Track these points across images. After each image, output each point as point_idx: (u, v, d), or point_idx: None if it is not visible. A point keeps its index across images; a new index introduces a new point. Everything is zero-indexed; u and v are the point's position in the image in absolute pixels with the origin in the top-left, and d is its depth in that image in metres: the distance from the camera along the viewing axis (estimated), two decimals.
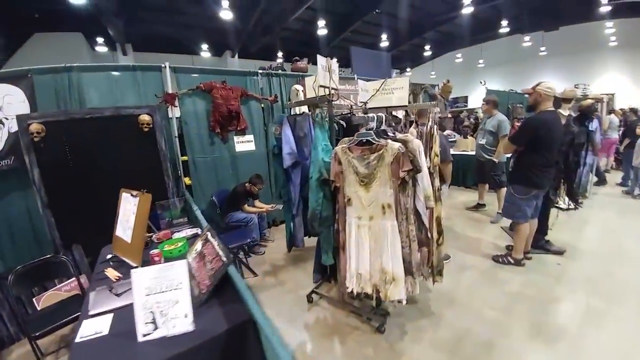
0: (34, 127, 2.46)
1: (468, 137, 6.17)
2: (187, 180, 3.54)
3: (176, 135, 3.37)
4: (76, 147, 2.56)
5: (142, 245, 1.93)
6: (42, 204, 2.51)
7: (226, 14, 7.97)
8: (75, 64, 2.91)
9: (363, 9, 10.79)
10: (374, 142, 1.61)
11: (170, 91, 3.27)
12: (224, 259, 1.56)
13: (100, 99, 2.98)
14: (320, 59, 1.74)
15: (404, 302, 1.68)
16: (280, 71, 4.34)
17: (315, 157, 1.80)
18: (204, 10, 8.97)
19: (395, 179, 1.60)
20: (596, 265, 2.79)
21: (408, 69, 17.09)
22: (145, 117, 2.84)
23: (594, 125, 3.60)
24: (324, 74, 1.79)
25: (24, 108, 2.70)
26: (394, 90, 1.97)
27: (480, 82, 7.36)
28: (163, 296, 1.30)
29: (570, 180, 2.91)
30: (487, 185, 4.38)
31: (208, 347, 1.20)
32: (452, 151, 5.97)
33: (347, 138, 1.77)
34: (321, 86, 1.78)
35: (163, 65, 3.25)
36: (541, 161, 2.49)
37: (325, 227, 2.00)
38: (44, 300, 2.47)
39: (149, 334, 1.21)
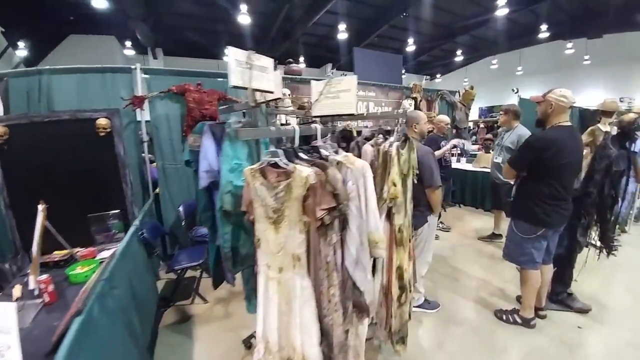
0: None
1: (491, 151, 5.36)
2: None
3: (144, 140, 3.13)
4: (37, 151, 2.48)
5: (37, 263, 1.68)
6: (4, 205, 2.46)
7: (246, 19, 7.89)
8: (46, 67, 2.86)
9: (389, 12, 10.22)
10: (282, 165, 1.14)
11: (139, 93, 3.04)
12: (80, 304, 1.19)
13: (69, 101, 2.85)
14: (234, 52, 1.31)
15: None
16: None
17: (220, 180, 1.37)
18: (228, 17, 8.94)
19: (310, 219, 1.11)
20: (624, 331, 2.07)
21: (439, 75, 16.07)
22: (101, 121, 2.66)
23: (638, 145, 2.78)
24: (240, 71, 1.36)
25: None
26: (340, 94, 1.48)
27: (513, 90, 6.44)
28: None
29: (604, 220, 2.17)
30: (503, 212, 3.65)
31: None
32: (470, 167, 5.22)
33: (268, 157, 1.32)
34: (234, 87, 1.35)
35: (133, 67, 3.03)
36: (548, 192, 1.85)
37: (246, 267, 1.55)
38: None
39: None
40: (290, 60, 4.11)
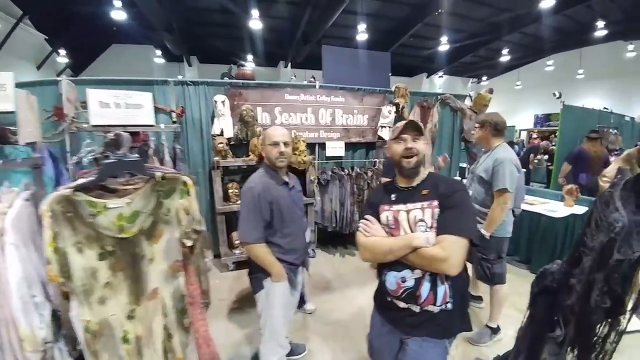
0: None
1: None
2: None
3: None
4: None
5: None
6: None
7: (257, 24, 7.56)
8: None
9: (423, 10, 9.01)
10: None
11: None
12: None
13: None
14: None
15: None
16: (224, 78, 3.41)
17: None
18: (253, 24, 8.74)
19: None
20: None
21: (485, 78, 13.97)
22: None
23: None
24: None
25: None
26: None
27: (554, 94, 4.95)
28: None
29: (585, 345, 1.09)
30: None
31: None
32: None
33: None
34: None
35: (61, 79, 2.74)
36: None
37: None
38: None
39: None
40: (242, 63, 3.51)
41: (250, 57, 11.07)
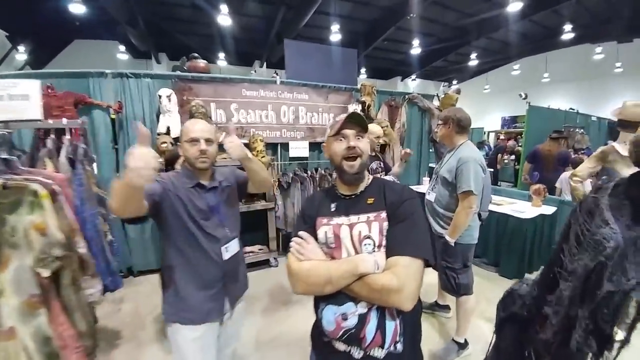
0: None
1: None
2: None
3: None
4: None
5: None
6: None
7: (226, 20, 7.15)
8: None
9: (395, 14, 8.94)
10: None
11: None
12: None
13: None
14: None
15: None
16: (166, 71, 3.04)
17: None
18: (224, 21, 8.28)
19: None
20: None
21: (455, 82, 14.25)
22: None
23: None
24: None
25: None
26: None
27: (520, 95, 4.93)
28: None
29: None
30: None
31: None
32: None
33: None
34: None
35: None
36: None
37: None
38: None
39: None
40: (195, 54, 3.16)
41: (223, 55, 10.62)
